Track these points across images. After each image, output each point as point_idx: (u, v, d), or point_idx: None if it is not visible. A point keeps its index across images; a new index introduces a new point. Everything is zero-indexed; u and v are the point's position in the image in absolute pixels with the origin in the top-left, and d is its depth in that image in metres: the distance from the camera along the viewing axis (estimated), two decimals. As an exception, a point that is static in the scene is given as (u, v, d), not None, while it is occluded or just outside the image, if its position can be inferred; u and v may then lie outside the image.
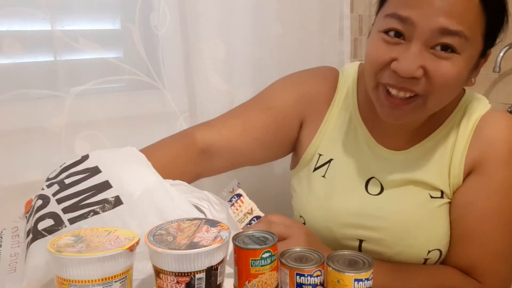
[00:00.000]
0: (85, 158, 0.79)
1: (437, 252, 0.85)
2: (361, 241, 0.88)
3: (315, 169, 0.93)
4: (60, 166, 0.80)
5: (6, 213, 0.81)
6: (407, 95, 0.76)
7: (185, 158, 0.90)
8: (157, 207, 0.71)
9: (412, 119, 0.81)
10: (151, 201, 0.72)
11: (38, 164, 0.95)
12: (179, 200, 0.74)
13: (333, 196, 0.90)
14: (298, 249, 0.67)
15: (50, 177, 0.79)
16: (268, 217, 0.79)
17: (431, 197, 0.85)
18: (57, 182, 0.76)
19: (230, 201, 0.86)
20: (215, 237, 0.60)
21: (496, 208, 0.81)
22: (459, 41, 0.72)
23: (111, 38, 1.05)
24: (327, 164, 0.92)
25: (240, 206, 0.86)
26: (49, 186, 0.76)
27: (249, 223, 0.84)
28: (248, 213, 0.85)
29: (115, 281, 0.56)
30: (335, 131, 0.94)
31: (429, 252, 0.84)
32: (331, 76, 0.97)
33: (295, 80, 0.98)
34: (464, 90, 0.89)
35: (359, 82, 0.94)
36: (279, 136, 0.96)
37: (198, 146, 0.91)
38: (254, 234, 0.67)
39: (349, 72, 0.96)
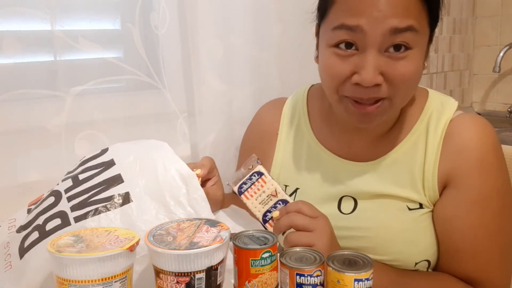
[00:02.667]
0: (104, 151, 0.79)
1: (425, 263, 0.83)
2: None
3: None
4: (80, 160, 0.80)
5: (6, 213, 0.81)
6: (373, 100, 0.76)
7: None
8: (167, 206, 0.71)
9: (383, 119, 0.81)
10: (162, 198, 0.71)
11: (38, 164, 0.95)
12: (193, 198, 0.73)
13: None
14: (298, 249, 0.67)
15: (69, 170, 0.79)
16: (299, 205, 0.76)
17: (409, 209, 0.83)
18: (72, 177, 0.75)
19: (250, 179, 0.79)
20: (215, 237, 0.60)
21: (480, 220, 0.79)
22: (411, 35, 0.72)
23: (111, 38, 1.05)
24: (294, 194, 0.92)
25: (262, 186, 0.79)
26: (64, 180, 0.76)
27: (274, 207, 0.79)
28: (272, 195, 0.79)
29: (115, 281, 0.56)
30: (294, 161, 0.94)
31: (416, 264, 0.82)
32: (274, 109, 1.00)
33: (245, 140, 1.05)
34: (427, 92, 0.88)
35: (309, 104, 0.96)
36: None
37: None
38: (254, 234, 0.67)
39: (298, 98, 0.98)
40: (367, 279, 0.60)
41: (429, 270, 0.85)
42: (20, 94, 0.92)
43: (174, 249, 0.57)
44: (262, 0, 1.18)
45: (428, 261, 0.83)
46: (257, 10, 1.18)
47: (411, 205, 0.83)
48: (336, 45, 0.75)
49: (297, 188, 0.92)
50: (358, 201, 0.86)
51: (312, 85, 1.01)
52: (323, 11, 0.79)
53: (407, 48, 0.73)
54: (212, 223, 0.65)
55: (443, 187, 0.82)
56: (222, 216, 0.83)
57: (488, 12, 2.24)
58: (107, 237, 0.60)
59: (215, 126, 1.15)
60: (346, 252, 0.66)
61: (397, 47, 0.73)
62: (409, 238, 0.82)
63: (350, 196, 0.87)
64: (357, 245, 0.83)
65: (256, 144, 1.00)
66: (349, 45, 0.74)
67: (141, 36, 1.05)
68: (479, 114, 0.89)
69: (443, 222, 0.81)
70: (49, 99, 0.95)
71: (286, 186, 0.94)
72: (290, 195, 0.91)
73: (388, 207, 0.84)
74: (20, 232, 0.70)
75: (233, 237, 0.66)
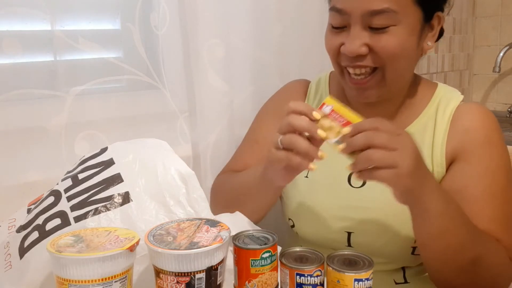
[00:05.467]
0: (103, 150, 0.79)
1: None
2: (349, 234, 0.89)
3: None
4: (80, 159, 0.80)
5: (6, 213, 0.81)
6: (363, 71, 0.85)
7: None
8: (167, 206, 0.71)
9: (378, 96, 0.88)
10: (162, 198, 0.71)
11: (38, 164, 0.95)
12: (192, 198, 0.73)
13: (316, 193, 0.93)
14: (298, 249, 0.67)
15: (69, 170, 0.79)
16: (375, 122, 0.69)
17: None
18: (71, 177, 0.75)
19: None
20: (215, 237, 0.60)
21: (489, 189, 0.85)
22: (389, 15, 0.81)
23: (111, 38, 1.05)
24: None
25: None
26: (63, 179, 0.76)
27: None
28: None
29: (115, 281, 0.56)
30: None
31: (415, 240, 0.86)
32: (301, 86, 1.07)
33: (270, 104, 1.08)
34: (436, 83, 0.96)
35: (331, 86, 1.04)
36: None
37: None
38: (254, 234, 0.67)
39: (320, 80, 1.06)
40: (367, 279, 0.60)
41: None
42: (20, 94, 0.92)
43: (174, 249, 0.57)
44: (262, 0, 1.18)
45: None
46: (257, 10, 1.18)
47: None
48: (332, 23, 0.87)
49: None
50: None
51: (332, 71, 1.05)
52: None
53: (389, 24, 0.81)
54: (212, 223, 0.65)
55: (450, 163, 0.89)
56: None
57: (488, 12, 2.24)
58: (107, 237, 0.60)
59: (215, 126, 1.15)
60: (346, 252, 0.66)
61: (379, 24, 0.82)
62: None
63: None
64: (361, 216, 0.89)
65: (278, 111, 0.99)
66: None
67: (141, 36, 1.05)
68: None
69: (453, 193, 0.85)
70: (49, 99, 0.95)
71: None
72: None
73: None
74: (20, 232, 0.70)
75: (233, 237, 0.66)
